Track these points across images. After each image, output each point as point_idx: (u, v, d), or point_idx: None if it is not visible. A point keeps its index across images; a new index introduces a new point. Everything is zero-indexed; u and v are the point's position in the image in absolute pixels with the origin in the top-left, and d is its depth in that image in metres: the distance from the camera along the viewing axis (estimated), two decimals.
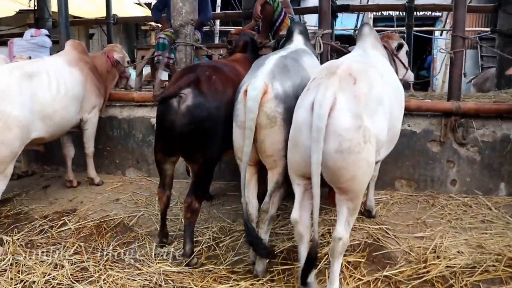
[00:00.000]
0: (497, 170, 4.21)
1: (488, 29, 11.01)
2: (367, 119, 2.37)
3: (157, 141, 3.17)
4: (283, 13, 5.06)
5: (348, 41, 5.13)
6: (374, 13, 14.63)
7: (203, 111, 2.89)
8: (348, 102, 2.34)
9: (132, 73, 5.99)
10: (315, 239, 2.46)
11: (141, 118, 4.93)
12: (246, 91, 2.73)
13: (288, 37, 3.72)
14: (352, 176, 2.35)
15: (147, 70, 7.59)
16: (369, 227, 3.62)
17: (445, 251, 3.23)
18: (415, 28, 10.26)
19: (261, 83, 2.71)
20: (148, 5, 13.03)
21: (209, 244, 3.43)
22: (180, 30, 4.61)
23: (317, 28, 4.72)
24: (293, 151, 2.51)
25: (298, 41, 3.63)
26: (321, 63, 3.74)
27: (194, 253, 3.17)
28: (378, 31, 4.62)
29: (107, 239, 3.52)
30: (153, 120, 4.82)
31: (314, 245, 2.46)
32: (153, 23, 11.03)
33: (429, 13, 14.82)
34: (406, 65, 4.19)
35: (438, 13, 14.97)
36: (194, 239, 3.26)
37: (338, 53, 4.69)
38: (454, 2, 4.27)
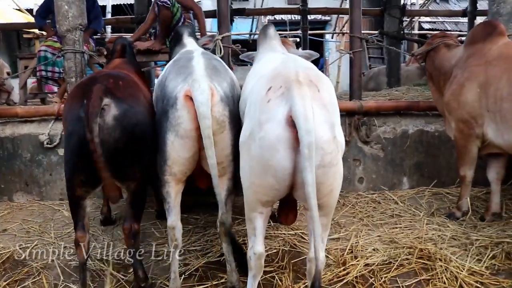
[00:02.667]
0: (400, 165, 4.40)
1: (375, 32, 11.77)
2: (336, 128, 2.22)
3: (76, 174, 2.56)
4: (182, 19, 4.85)
5: (244, 46, 5.05)
6: (269, 17, 14.93)
7: (132, 118, 2.58)
8: (322, 113, 2.14)
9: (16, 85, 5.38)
10: (319, 269, 2.16)
11: (27, 135, 4.39)
12: (187, 96, 2.49)
13: (178, 41, 3.47)
14: (330, 190, 2.19)
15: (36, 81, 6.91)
16: (284, 234, 3.53)
17: (361, 250, 3.25)
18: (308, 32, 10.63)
19: (206, 86, 2.48)
20: (29, 11, 12.00)
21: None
22: (68, 36, 4.18)
23: (213, 32, 4.60)
24: (262, 175, 2.15)
25: (191, 44, 3.40)
26: None
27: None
28: None
29: None
30: (42, 137, 4.32)
31: (318, 277, 2.17)
32: (36, 31, 10.14)
33: (319, 17, 15.48)
34: None
35: (327, 17, 15.71)
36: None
37: (236, 57, 4.60)
38: (350, 5, 4.40)
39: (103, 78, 2.68)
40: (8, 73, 4.59)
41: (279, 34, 3.41)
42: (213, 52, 4.05)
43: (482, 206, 3.97)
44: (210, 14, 6.63)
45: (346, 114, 4.32)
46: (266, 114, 2.15)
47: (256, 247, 2.34)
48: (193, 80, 2.53)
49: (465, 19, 8.74)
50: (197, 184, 2.87)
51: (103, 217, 3.88)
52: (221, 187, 2.67)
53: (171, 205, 2.66)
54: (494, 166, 3.76)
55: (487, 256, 3.13)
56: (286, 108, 2.09)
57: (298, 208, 2.74)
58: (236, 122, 2.64)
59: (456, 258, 3.13)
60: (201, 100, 2.43)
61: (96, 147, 2.35)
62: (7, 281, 2.99)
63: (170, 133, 2.56)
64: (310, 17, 11.81)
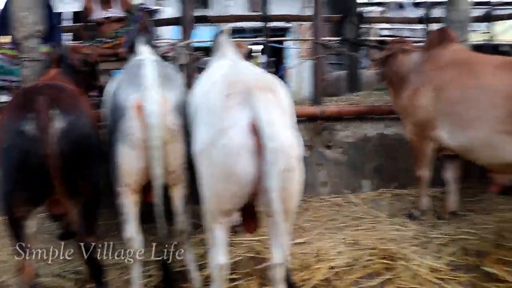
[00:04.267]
0: (361, 169, 4.48)
1: (336, 38, 11.98)
2: (294, 132, 2.25)
3: (16, 191, 2.39)
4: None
5: (207, 53, 5.04)
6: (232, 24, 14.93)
7: (79, 128, 2.49)
8: (283, 118, 2.18)
9: None
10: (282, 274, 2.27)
11: None
12: (138, 105, 2.46)
13: (131, 49, 3.42)
14: (293, 195, 2.21)
15: None
16: (248, 240, 3.52)
17: (325, 254, 3.28)
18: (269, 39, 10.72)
19: (157, 95, 2.46)
20: None
21: None
22: (25, 43, 4.05)
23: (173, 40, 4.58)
24: (225, 182, 2.14)
25: (146, 52, 3.29)
26: (188, 74, 3.58)
27: None
28: None
29: None
30: None
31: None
32: None
33: (281, 24, 15.62)
34: None
35: (288, 24, 15.87)
36: None
37: (199, 64, 4.60)
38: (314, 11, 4.47)
39: (45, 89, 2.57)
40: None
41: (243, 41, 3.43)
42: (175, 60, 4.04)
43: (439, 205, 4.08)
44: (172, 21, 6.58)
45: (308, 119, 4.37)
46: (228, 121, 2.14)
47: (218, 257, 2.33)
48: (143, 89, 2.49)
49: (422, 26, 9.01)
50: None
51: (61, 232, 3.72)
52: (176, 196, 2.70)
53: (127, 217, 2.62)
54: (450, 166, 3.89)
55: (446, 253, 3.24)
56: (248, 114, 2.10)
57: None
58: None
59: (417, 256, 3.22)
60: (152, 110, 2.41)
61: (53, 161, 2.28)
62: None
63: (121, 143, 2.52)
64: (272, 24, 11.89)
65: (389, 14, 17.31)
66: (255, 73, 2.42)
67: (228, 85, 2.28)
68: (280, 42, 15.00)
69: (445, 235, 3.51)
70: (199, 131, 2.34)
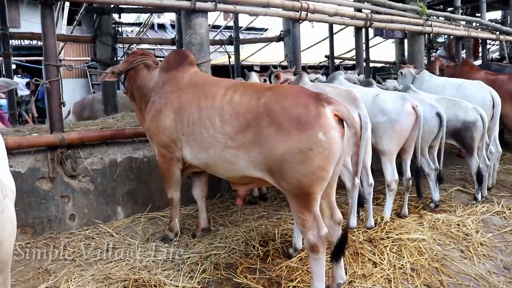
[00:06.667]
0: (112, 195, 4.29)
1: (84, 59, 11.53)
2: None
3: None
4: None
5: None
6: None
7: None
8: None
9: None
10: None
11: None
12: None
13: None
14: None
15: None
16: None
17: None
18: (21, 58, 9.58)
19: None
20: None
21: None
22: None
23: None
24: None
25: None
26: None
27: None
28: None
29: None
30: None
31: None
32: None
33: (30, 42, 14.29)
34: None
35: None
36: None
37: None
38: (43, 32, 4.05)
39: None
40: None
41: None
42: None
43: (194, 223, 4.19)
44: None
45: (47, 148, 3.98)
46: None
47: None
48: None
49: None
50: None
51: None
52: None
53: None
54: (198, 184, 4.02)
55: (198, 272, 3.31)
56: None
57: None
58: None
59: (170, 280, 3.20)
60: None
61: None
62: None
63: None
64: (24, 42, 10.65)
65: (150, 34, 17.63)
66: None
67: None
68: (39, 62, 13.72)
69: (198, 253, 3.60)
70: None
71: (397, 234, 3.85)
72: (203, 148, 3.34)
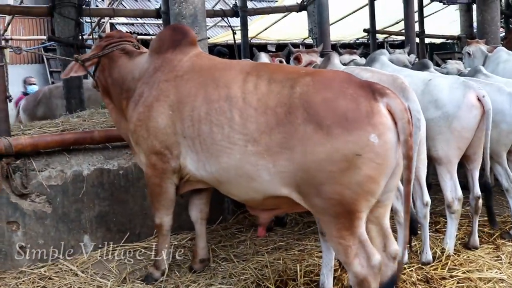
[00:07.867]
0: (77, 221, 4.33)
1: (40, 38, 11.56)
2: None
3: None
4: None
5: None
6: None
7: None
8: None
9: None
10: None
11: None
12: None
13: None
14: None
15: None
16: None
17: None
18: None
19: None
20: None
21: None
22: None
23: None
24: None
25: None
26: None
27: None
28: None
29: None
30: None
31: None
32: None
33: None
34: None
35: None
36: None
37: None
38: None
39: None
40: None
41: None
42: None
43: (187, 257, 4.21)
44: None
45: None
46: None
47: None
48: None
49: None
50: None
51: None
52: None
53: None
54: (196, 203, 4.05)
55: None
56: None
57: None
58: None
59: None
60: None
61: None
62: None
63: None
64: None
65: (128, 4, 17.70)
66: None
67: None
68: None
69: None
70: None
71: (464, 272, 3.81)
72: (213, 155, 3.28)
